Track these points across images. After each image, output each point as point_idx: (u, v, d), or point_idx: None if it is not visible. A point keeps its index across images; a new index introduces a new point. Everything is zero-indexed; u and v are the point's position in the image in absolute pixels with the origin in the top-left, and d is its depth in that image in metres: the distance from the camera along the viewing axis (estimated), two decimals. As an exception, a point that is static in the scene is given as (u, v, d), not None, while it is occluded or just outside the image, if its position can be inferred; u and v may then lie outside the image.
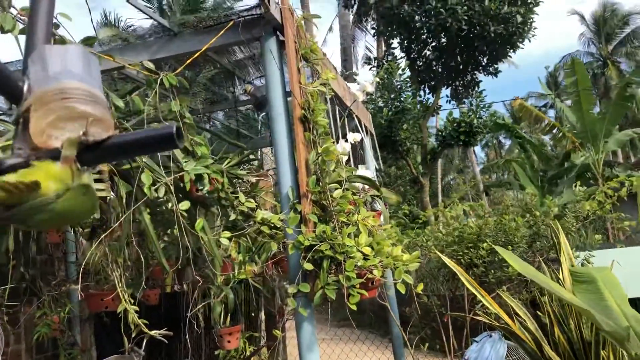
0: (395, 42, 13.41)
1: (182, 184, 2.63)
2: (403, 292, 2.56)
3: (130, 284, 3.51)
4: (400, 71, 12.00)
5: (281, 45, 2.92)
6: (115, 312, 5.00)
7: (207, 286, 4.31)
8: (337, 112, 3.73)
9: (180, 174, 2.59)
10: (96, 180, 2.77)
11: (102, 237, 3.16)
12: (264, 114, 4.73)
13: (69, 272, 5.23)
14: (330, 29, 24.70)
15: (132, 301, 3.28)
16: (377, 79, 6.57)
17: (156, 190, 2.63)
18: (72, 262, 5.29)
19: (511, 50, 12.55)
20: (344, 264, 2.48)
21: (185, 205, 2.58)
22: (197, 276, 3.93)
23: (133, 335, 3.43)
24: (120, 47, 3.10)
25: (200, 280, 4.07)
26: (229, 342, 3.79)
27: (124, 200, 3.04)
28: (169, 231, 3.62)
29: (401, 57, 13.29)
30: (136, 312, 3.25)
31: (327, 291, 2.48)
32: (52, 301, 4.34)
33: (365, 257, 2.54)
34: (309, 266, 2.49)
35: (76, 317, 5.27)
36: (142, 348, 4.57)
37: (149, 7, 9.32)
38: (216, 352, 5.12)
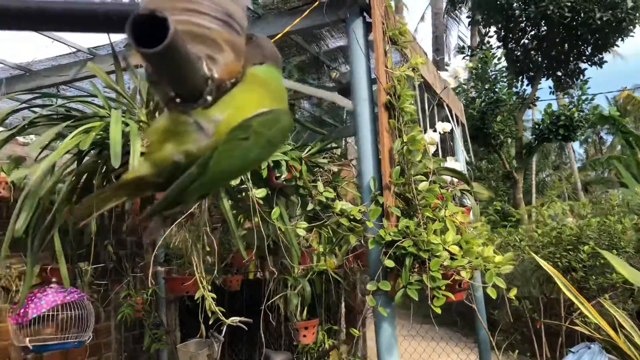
0: (491, 31, 12.78)
1: (260, 171, 2.54)
2: (494, 297, 2.34)
3: (209, 269, 3.49)
4: (495, 60, 11.42)
5: (367, 27, 2.75)
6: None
7: (285, 277, 4.26)
8: (426, 100, 3.51)
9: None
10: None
11: (183, 222, 3.15)
12: (349, 100, 4.57)
13: (155, 255, 5.36)
14: (422, 18, 24.10)
15: (210, 288, 3.26)
16: (470, 64, 6.23)
17: (235, 176, 2.56)
18: (159, 245, 5.42)
19: (619, 39, 11.59)
20: (429, 263, 2.28)
21: (262, 192, 2.48)
22: (275, 266, 3.88)
23: (212, 322, 3.41)
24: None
25: (280, 270, 4.01)
26: (304, 336, 3.70)
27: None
28: (249, 218, 3.57)
29: (497, 47, 12.66)
30: (217, 297, 3.22)
31: (409, 291, 2.30)
32: (137, 282, 4.46)
33: (453, 257, 2.33)
34: (389, 263, 2.32)
35: (162, 298, 5.40)
36: (222, 334, 4.60)
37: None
38: (295, 343, 5.07)
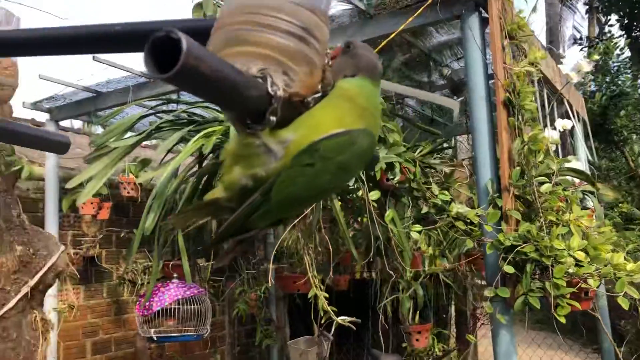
0: (612, 19, 11.89)
1: (372, 172, 2.53)
2: (626, 307, 2.16)
3: (320, 269, 3.53)
4: (617, 51, 10.61)
5: (483, 23, 2.66)
6: (306, 295, 5.15)
7: (396, 279, 4.21)
8: (546, 96, 3.32)
9: (371, 161, 2.49)
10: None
11: (295, 222, 3.21)
12: (461, 99, 4.46)
13: (267, 253, 5.52)
14: (534, 9, 22.92)
15: (322, 286, 3.29)
16: (596, 56, 5.82)
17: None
18: (271, 243, 5.58)
19: None
20: (552, 270, 2.15)
21: (375, 194, 2.47)
22: (386, 268, 3.84)
23: (323, 321, 3.45)
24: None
25: (389, 272, 3.97)
26: (417, 340, 3.64)
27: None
28: (359, 219, 3.57)
29: (619, 36, 11.75)
30: (326, 298, 3.26)
31: (530, 298, 2.18)
32: (251, 279, 4.62)
33: (578, 264, 2.18)
34: (509, 269, 2.22)
35: (272, 295, 5.55)
36: (331, 332, 4.64)
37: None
38: (404, 345, 5.01)
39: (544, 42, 15.88)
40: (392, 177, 2.51)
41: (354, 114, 0.69)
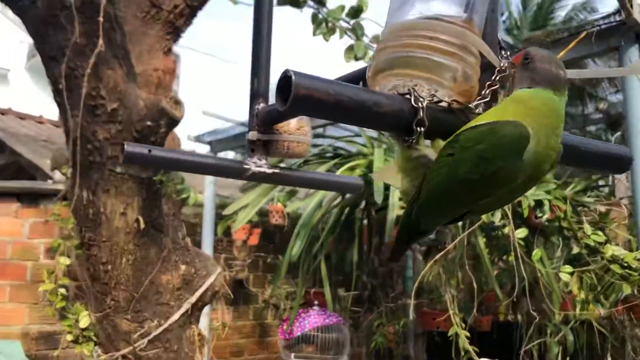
0: None
1: (519, 209, 2.45)
2: None
3: (462, 307, 3.46)
4: None
5: (644, 53, 2.50)
6: (445, 333, 5.01)
7: (543, 322, 3.97)
8: None
9: (519, 199, 2.42)
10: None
11: (436, 257, 3.19)
12: (618, 133, 4.16)
13: (405, 286, 5.50)
14: None
15: (464, 325, 3.22)
16: None
17: (492, 214, 2.52)
18: (409, 278, 5.56)
19: None
20: None
21: (522, 232, 2.39)
22: (533, 309, 3.65)
23: (461, 360, 3.35)
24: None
25: (535, 315, 3.76)
26: (566, 390, 3.40)
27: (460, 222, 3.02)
28: (504, 257, 3.45)
29: None
30: (467, 337, 3.18)
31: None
32: (389, 312, 4.62)
33: None
34: (675, 320, 2.02)
35: (410, 330, 5.48)
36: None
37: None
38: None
39: None
40: (540, 214, 2.42)
41: (519, 112, 0.68)
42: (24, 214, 3.56)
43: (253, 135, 0.98)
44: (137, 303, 2.52)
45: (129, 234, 2.47)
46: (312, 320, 3.85)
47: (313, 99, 0.62)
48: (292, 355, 3.88)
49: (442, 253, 3.13)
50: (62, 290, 2.92)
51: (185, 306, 2.62)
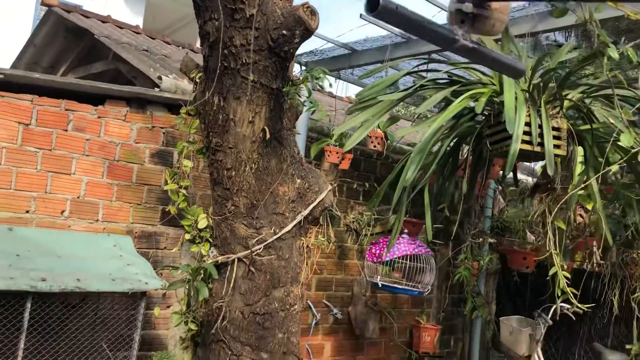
0: None
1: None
2: None
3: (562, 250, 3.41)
4: None
5: None
6: (523, 274, 5.01)
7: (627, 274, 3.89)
8: None
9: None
10: (554, 137, 2.73)
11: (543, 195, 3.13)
12: None
13: (484, 225, 5.46)
14: None
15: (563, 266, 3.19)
16: None
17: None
18: (488, 217, 5.51)
19: None
20: None
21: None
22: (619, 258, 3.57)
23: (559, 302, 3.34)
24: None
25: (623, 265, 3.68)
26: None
27: (575, 163, 2.93)
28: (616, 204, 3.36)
29: None
30: (567, 278, 3.15)
31: None
32: (474, 248, 4.63)
33: None
34: None
35: (483, 269, 5.50)
36: (549, 316, 4.48)
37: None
38: (627, 347, 4.65)
39: None
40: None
41: None
42: (132, 118, 3.68)
43: (468, 7, 1.03)
44: (255, 210, 2.60)
45: (254, 143, 2.51)
46: (402, 247, 3.90)
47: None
48: (379, 277, 3.96)
49: (548, 191, 3.07)
50: (184, 192, 3.02)
51: (299, 218, 2.69)
